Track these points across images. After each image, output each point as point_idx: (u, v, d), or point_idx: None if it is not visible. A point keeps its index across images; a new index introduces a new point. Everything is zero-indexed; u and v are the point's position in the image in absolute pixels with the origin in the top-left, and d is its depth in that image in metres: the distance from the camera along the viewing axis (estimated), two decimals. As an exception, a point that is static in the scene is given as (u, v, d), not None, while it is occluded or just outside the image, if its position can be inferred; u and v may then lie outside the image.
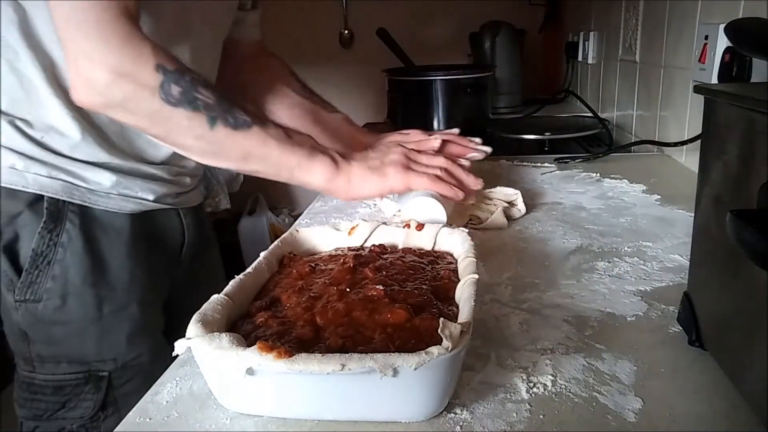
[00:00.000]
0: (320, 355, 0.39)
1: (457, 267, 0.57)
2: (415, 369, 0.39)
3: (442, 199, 0.75)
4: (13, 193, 0.74)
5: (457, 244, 0.61)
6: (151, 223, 0.83)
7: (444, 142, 0.87)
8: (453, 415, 0.44)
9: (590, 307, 0.60)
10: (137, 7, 0.63)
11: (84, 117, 0.74)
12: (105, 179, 0.76)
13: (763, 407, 0.39)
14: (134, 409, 0.47)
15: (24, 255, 0.74)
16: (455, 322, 0.43)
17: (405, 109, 1.59)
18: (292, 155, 0.68)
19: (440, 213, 0.75)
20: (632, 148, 1.33)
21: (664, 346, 0.53)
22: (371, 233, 0.65)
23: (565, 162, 1.21)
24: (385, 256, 0.59)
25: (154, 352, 0.81)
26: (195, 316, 0.45)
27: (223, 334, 0.42)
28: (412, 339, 0.44)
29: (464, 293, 0.49)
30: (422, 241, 0.64)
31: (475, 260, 0.55)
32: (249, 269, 0.55)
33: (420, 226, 0.65)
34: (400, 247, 0.63)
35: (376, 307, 0.47)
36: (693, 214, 0.52)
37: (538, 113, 1.86)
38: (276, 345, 0.40)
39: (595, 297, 0.62)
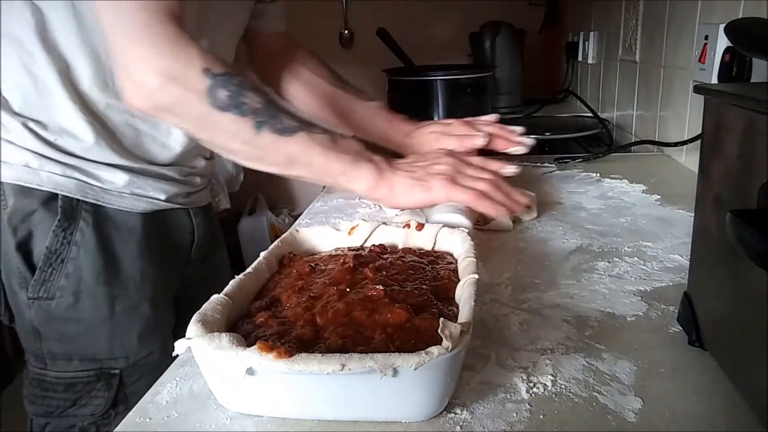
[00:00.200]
0: (320, 355, 0.39)
1: (457, 267, 0.57)
2: (415, 369, 0.39)
3: (467, 211, 0.74)
4: (27, 191, 0.74)
5: (457, 244, 0.61)
6: (162, 223, 0.84)
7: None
8: (453, 415, 0.44)
9: (590, 307, 0.60)
10: (182, 8, 0.62)
11: (98, 121, 0.74)
12: (118, 179, 0.77)
13: (763, 407, 0.39)
14: (134, 409, 0.47)
15: (38, 253, 0.75)
16: (455, 322, 0.43)
17: (405, 109, 1.56)
18: (337, 162, 0.66)
19: (465, 225, 0.75)
20: (632, 148, 1.33)
21: (664, 346, 0.53)
22: (371, 233, 0.65)
23: (565, 162, 1.21)
24: (385, 256, 0.59)
25: (165, 350, 0.81)
26: (195, 316, 0.45)
27: (223, 334, 0.42)
28: (412, 339, 0.44)
29: (464, 293, 0.49)
30: (422, 241, 0.64)
31: (475, 260, 0.55)
32: (249, 269, 0.55)
33: (420, 226, 0.65)
34: (400, 247, 0.63)
35: (376, 307, 0.47)
36: (693, 214, 0.52)
37: (538, 113, 1.86)
38: (276, 345, 0.40)
39: (595, 297, 0.62)
